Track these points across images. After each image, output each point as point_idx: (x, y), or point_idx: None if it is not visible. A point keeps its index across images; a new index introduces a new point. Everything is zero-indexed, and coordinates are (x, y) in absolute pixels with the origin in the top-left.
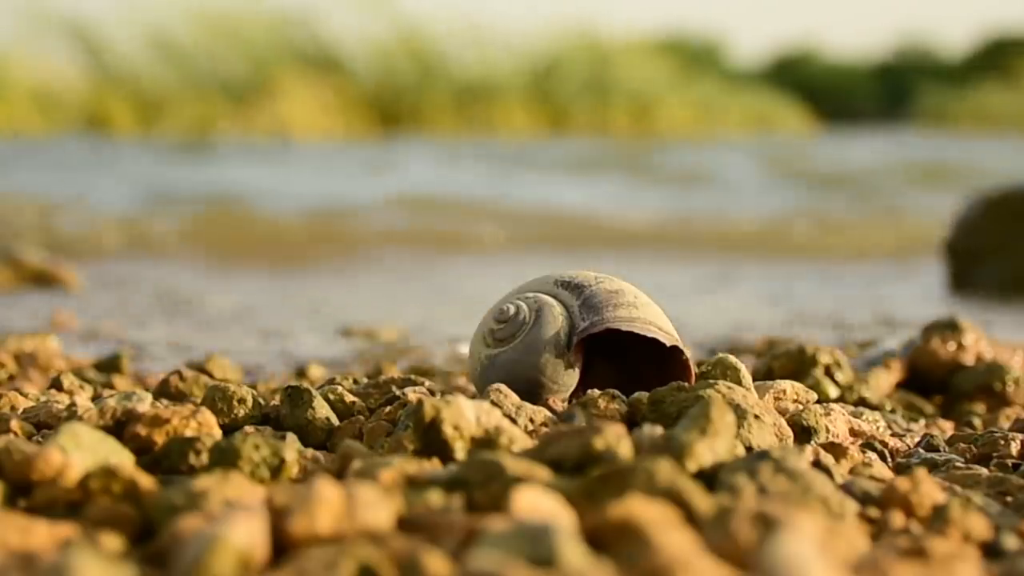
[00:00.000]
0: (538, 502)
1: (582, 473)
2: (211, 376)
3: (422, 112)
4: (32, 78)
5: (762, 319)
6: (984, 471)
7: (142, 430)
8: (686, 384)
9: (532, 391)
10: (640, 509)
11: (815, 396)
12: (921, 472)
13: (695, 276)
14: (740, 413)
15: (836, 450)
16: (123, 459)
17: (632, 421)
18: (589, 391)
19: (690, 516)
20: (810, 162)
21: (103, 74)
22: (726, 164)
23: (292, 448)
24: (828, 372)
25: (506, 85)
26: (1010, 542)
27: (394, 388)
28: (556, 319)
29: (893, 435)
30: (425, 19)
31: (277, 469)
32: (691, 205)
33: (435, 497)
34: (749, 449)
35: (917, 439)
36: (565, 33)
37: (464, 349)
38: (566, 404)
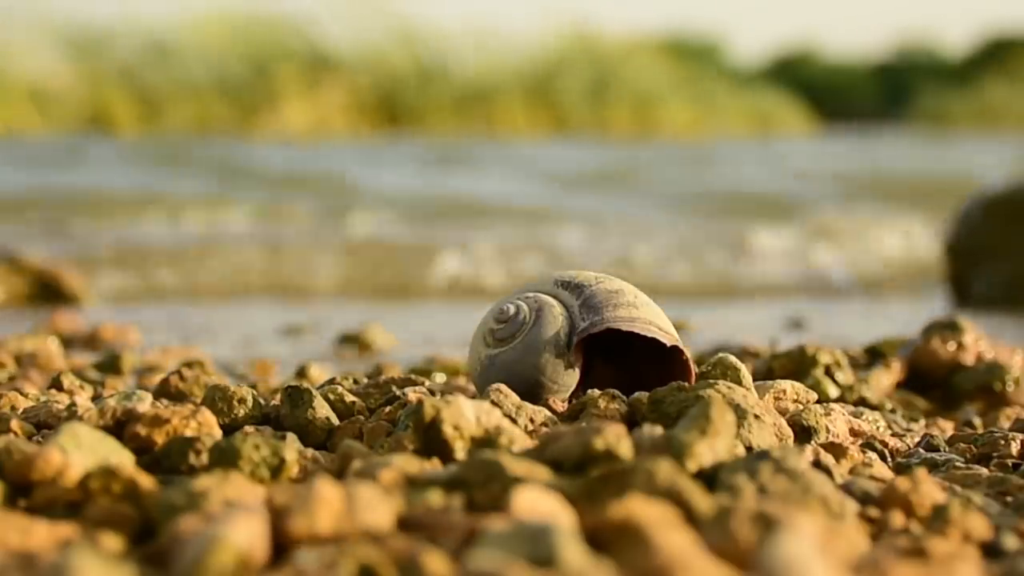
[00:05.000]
0: (538, 502)
1: (582, 473)
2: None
3: (422, 113)
4: (30, 78)
5: None
6: (984, 471)
7: (142, 430)
8: (686, 384)
9: (532, 391)
10: (640, 509)
11: (815, 396)
12: (921, 472)
13: None
14: (740, 413)
15: (836, 450)
16: (123, 459)
17: (632, 421)
18: (589, 391)
19: (690, 516)
20: None
21: (102, 75)
22: None
23: (292, 448)
24: (828, 372)
25: (507, 86)
26: (1010, 542)
27: (394, 388)
28: (556, 319)
29: (893, 435)
30: (425, 20)
31: (277, 469)
32: None
33: (435, 497)
34: (749, 449)
35: (917, 439)
36: (565, 33)
37: None
38: (566, 404)
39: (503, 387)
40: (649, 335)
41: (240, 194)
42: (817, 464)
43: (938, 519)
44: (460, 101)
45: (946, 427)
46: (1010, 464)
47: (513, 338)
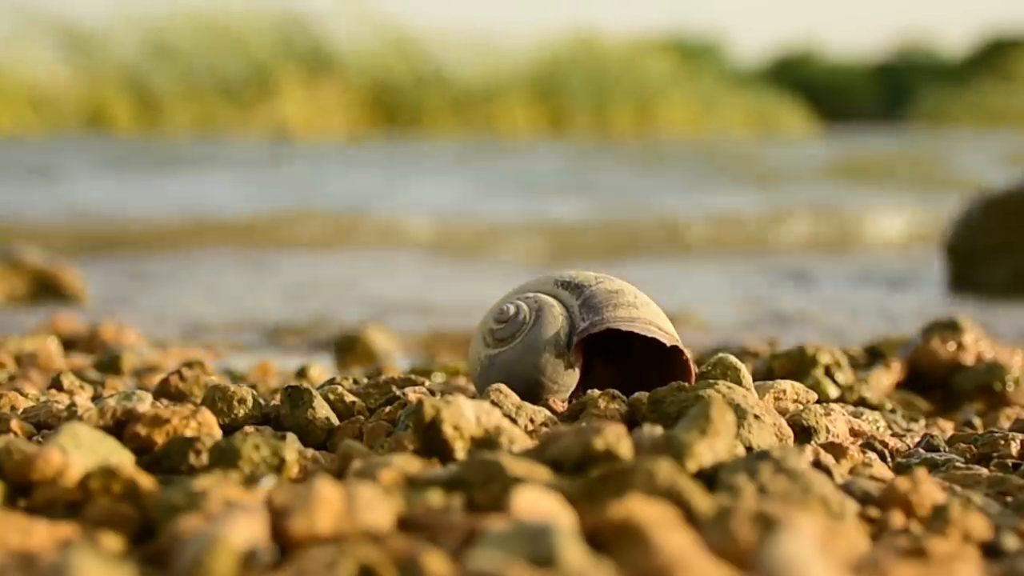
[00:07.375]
0: (538, 502)
1: (582, 473)
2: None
3: (422, 113)
4: (28, 79)
5: None
6: (984, 471)
7: (142, 430)
8: (686, 384)
9: (532, 391)
10: (640, 509)
11: (815, 396)
12: (921, 472)
13: None
14: (740, 413)
15: (836, 450)
16: (123, 459)
17: (632, 421)
18: (589, 391)
19: (690, 516)
20: None
21: (101, 75)
22: None
23: (292, 448)
24: (828, 372)
25: (507, 86)
26: (1010, 542)
27: (394, 388)
28: (556, 319)
29: (893, 435)
30: (425, 20)
31: (277, 469)
32: None
33: (435, 497)
34: (749, 449)
35: (917, 439)
36: (566, 33)
37: None
38: (566, 404)
39: (503, 387)
40: (649, 335)
41: None
42: (817, 464)
43: (938, 519)
44: (459, 101)
45: (946, 427)
46: (1010, 464)
47: (513, 338)
